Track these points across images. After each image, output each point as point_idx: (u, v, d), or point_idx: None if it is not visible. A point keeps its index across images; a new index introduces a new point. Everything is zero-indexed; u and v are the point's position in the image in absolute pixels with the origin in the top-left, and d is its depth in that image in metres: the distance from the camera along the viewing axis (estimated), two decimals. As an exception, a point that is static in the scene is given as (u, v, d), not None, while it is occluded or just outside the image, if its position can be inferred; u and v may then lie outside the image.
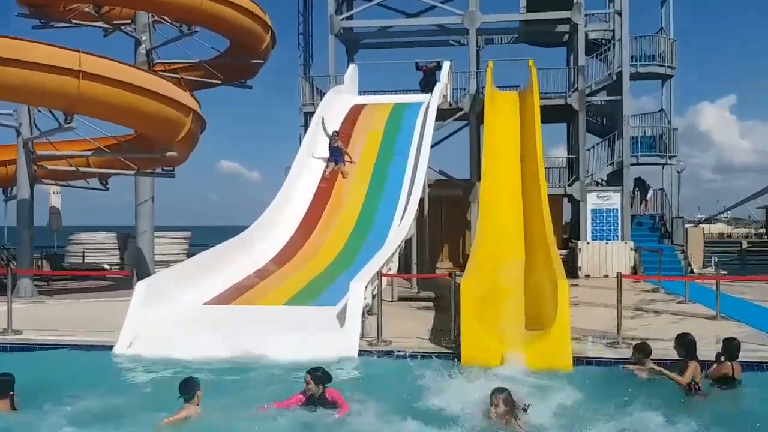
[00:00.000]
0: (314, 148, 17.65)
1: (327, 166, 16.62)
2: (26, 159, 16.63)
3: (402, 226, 14.16)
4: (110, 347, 9.53)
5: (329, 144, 16.77)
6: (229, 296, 11.74)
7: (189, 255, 20.95)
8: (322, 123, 17.10)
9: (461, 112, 21.63)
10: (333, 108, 19.10)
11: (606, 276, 19.44)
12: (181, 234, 25.08)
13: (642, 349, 8.17)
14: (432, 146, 17.79)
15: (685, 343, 7.77)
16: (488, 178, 15.23)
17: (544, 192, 13.92)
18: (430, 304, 13.83)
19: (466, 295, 9.14)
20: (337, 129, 17.18)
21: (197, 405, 6.40)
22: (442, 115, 20.64)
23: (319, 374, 6.93)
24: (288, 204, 15.70)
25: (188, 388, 6.49)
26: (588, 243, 20.42)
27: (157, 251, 21.24)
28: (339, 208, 16.03)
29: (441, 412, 6.81)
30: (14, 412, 6.72)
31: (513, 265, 12.41)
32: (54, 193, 22.49)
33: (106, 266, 22.50)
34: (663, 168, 22.80)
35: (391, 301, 13.78)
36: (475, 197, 20.16)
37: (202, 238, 34.26)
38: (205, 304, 11.30)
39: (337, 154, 16.70)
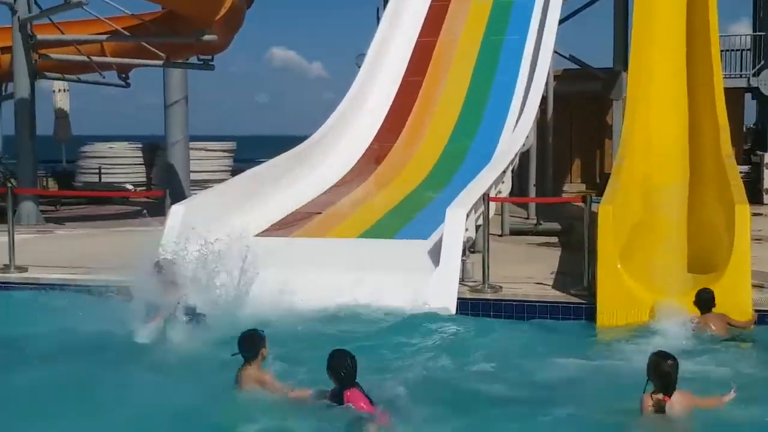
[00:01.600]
0: (396, 28, 17.49)
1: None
2: (24, 45, 17.19)
3: (516, 134, 14.07)
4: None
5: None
6: (288, 226, 12.04)
7: (233, 173, 21.50)
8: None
9: (602, -26, 20.97)
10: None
11: (804, 203, 18.97)
12: (222, 145, 25.70)
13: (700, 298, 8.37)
14: (560, 22, 17.42)
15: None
16: (639, 66, 14.85)
17: (719, 85, 13.53)
18: (555, 239, 13.84)
19: (606, 226, 9.09)
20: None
21: (259, 367, 6.35)
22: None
23: (335, 364, 5.87)
24: (362, 106, 15.77)
25: (250, 343, 6.32)
26: (779, 157, 19.81)
27: (194, 167, 21.86)
28: (431, 110, 16.04)
29: (569, 388, 6.83)
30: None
31: (672, 186, 12.25)
32: (60, 91, 23.38)
33: (129, 186, 23.31)
34: None
35: (501, 236, 13.88)
36: (619, 93, 19.75)
37: (249, 151, 35.07)
38: (257, 236, 11.59)
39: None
